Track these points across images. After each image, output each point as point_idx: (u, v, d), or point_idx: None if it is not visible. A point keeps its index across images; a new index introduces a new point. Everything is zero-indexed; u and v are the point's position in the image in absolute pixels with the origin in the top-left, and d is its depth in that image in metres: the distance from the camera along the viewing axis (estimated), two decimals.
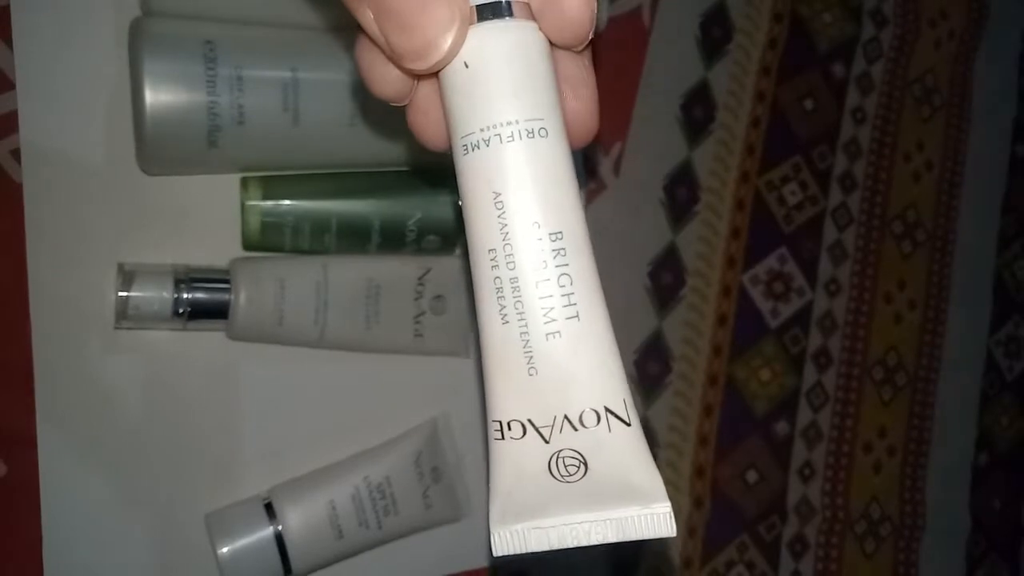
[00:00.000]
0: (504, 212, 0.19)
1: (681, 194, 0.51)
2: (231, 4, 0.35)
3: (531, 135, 0.19)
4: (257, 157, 0.37)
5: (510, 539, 0.20)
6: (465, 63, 0.20)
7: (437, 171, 0.40)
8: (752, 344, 0.53)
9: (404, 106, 0.22)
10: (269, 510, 0.38)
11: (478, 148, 0.20)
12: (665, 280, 0.50)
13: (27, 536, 0.36)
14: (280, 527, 0.37)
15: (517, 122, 0.19)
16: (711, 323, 0.52)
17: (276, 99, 0.35)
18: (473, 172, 0.20)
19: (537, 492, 0.20)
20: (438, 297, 0.41)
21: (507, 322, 0.20)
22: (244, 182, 0.38)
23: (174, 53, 0.34)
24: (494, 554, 0.20)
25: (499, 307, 0.20)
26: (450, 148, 0.21)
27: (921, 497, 0.59)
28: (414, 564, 0.42)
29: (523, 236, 0.19)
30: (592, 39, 0.21)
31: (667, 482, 0.50)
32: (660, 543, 0.50)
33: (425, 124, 0.21)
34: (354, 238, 0.39)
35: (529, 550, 0.20)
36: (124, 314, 0.36)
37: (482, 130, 0.19)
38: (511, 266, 0.19)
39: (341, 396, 0.41)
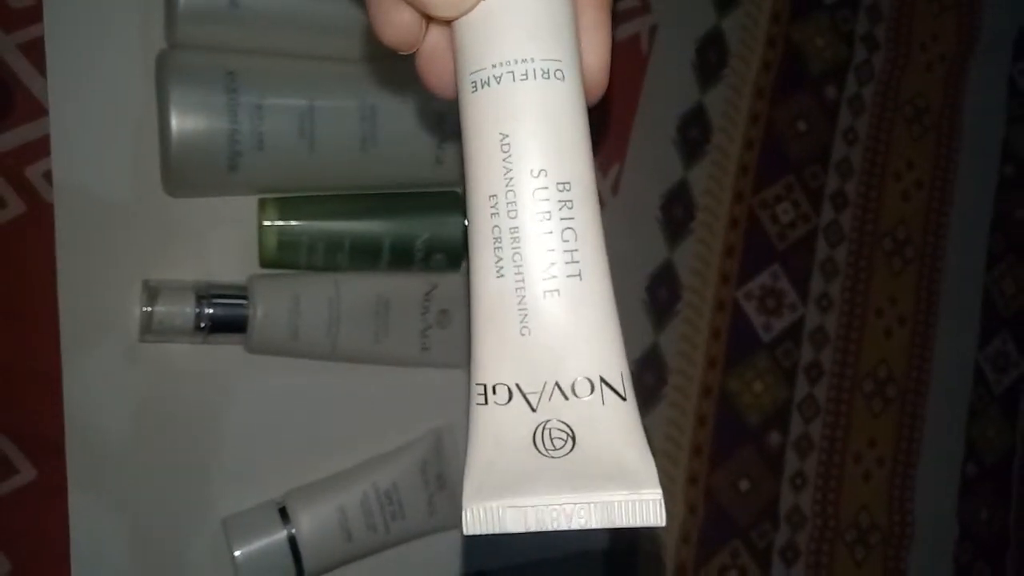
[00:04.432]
0: (510, 156, 0.18)
1: (677, 213, 0.53)
2: (251, 37, 0.37)
3: (547, 75, 0.18)
4: (275, 180, 0.39)
5: (484, 517, 0.18)
6: None
7: (444, 193, 0.42)
8: (746, 357, 0.55)
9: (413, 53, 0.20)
10: (283, 514, 0.39)
11: (488, 85, 0.18)
12: (661, 295, 0.52)
13: (55, 537, 0.38)
14: (293, 530, 0.39)
15: (533, 60, 0.18)
16: (706, 337, 0.54)
17: (293, 126, 0.37)
18: (480, 110, 0.18)
19: (518, 466, 0.18)
20: (444, 312, 0.43)
21: (502, 275, 0.18)
22: (262, 203, 0.40)
23: (198, 83, 0.36)
24: (464, 532, 0.18)
25: (495, 259, 0.18)
26: (457, 91, 0.19)
27: (910, 506, 0.61)
28: (419, 567, 0.44)
29: (528, 183, 0.18)
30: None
31: (662, 489, 0.52)
32: (653, 545, 0.52)
33: (435, 69, 0.20)
34: (365, 256, 0.41)
35: (504, 530, 0.18)
36: (148, 328, 0.38)
37: (494, 66, 0.18)
38: (512, 215, 0.18)
39: (352, 406, 0.43)
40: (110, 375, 0.38)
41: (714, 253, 0.54)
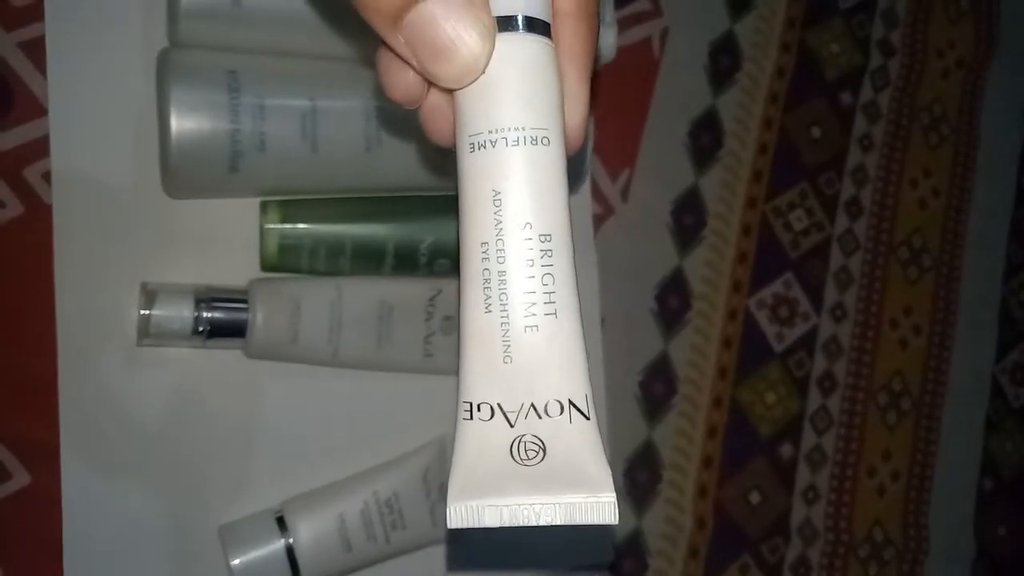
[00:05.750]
0: (501, 210, 0.20)
1: (688, 219, 0.52)
2: (254, 36, 0.37)
3: (535, 142, 0.21)
4: (276, 182, 0.38)
5: (465, 513, 0.21)
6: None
7: (448, 197, 0.41)
8: (757, 367, 0.54)
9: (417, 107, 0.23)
10: (281, 523, 0.39)
11: (484, 148, 0.21)
12: (672, 304, 0.51)
13: (48, 544, 0.37)
14: (291, 540, 0.38)
15: (523, 128, 0.21)
16: (716, 346, 0.53)
17: (295, 127, 0.37)
18: (476, 169, 0.21)
19: (497, 472, 0.21)
20: (448, 318, 0.42)
21: (490, 311, 0.21)
22: (263, 206, 0.39)
23: (199, 83, 0.35)
24: (448, 526, 0.21)
25: (484, 296, 0.21)
26: (454, 144, 0.21)
27: (925, 522, 0.60)
28: None
29: (516, 234, 0.20)
30: (596, 60, 0.22)
31: (670, 502, 0.51)
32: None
33: (435, 123, 0.23)
34: (368, 260, 0.40)
35: (483, 525, 0.21)
36: (146, 332, 0.37)
37: (490, 132, 0.21)
38: (501, 260, 0.20)
39: (353, 413, 0.42)
40: (107, 379, 0.38)
41: (726, 261, 0.53)
